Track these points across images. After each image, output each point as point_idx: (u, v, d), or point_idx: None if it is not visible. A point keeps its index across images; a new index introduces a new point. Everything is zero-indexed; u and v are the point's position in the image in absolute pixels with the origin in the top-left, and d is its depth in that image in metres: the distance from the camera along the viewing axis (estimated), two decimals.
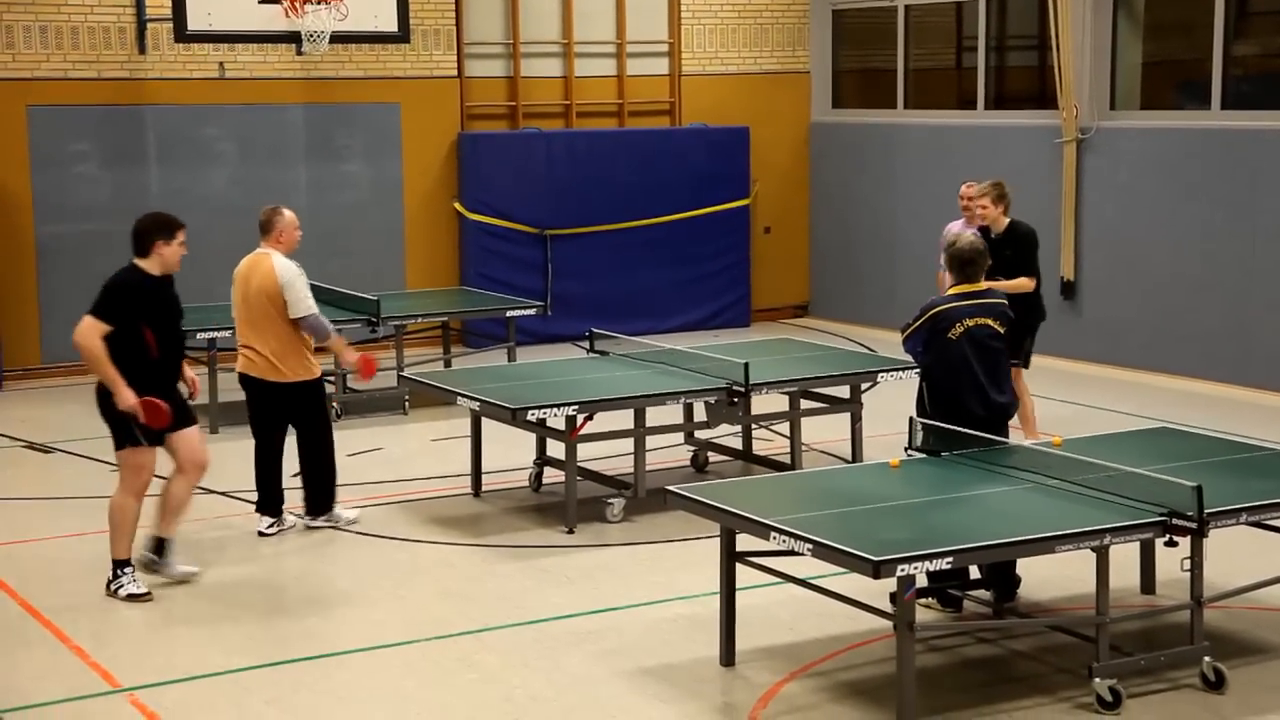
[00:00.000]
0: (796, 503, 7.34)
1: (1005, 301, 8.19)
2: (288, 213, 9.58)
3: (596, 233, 16.67)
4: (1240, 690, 6.97)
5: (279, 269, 9.35)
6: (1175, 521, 6.73)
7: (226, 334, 12.41)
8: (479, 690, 7.17)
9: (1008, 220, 10.88)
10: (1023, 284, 10.67)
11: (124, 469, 8.36)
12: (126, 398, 8.11)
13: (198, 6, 14.34)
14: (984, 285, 8.13)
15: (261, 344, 9.37)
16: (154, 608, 8.29)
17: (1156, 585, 8.14)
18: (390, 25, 15.13)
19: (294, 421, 9.50)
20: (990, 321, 7.98)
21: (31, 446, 12.06)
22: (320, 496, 9.60)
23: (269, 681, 7.30)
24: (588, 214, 16.62)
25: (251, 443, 9.59)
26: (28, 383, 14.52)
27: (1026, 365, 11.00)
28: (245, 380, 9.47)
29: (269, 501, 9.55)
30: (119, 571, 8.38)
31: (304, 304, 9.31)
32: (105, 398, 8.28)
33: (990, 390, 7.95)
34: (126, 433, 8.28)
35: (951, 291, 8.07)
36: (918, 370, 8.29)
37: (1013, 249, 10.77)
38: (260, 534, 9.49)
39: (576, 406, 9.54)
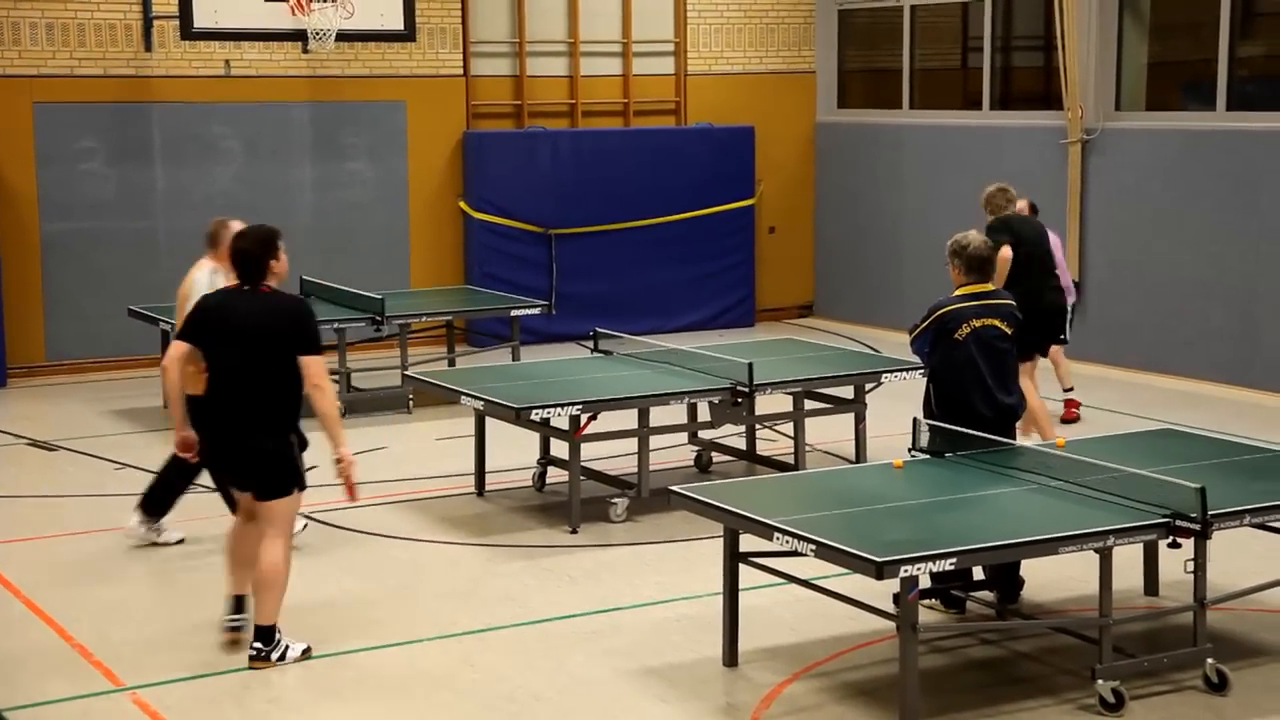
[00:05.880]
0: (800, 503, 7.34)
1: (1013, 303, 8.18)
2: (235, 225, 8.98)
3: (601, 232, 16.67)
4: (1243, 692, 6.97)
5: (195, 276, 9.05)
6: (1179, 523, 6.72)
7: None
8: (482, 689, 7.18)
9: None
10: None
11: (286, 519, 7.50)
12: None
13: (204, 4, 14.36)
14: (992, 286, 8.13)
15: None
16: (157, 607, 8.30)
17: (1160, 587, 8.13)
18: (396, 24, 15.14)
19: None
20: (997, 322, 7.97)
21: (35, 444, 12.07)
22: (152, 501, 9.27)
23: (271, 681, 7.30)
24: (593, 213, 16.61)
25: None
26: (32, 380, 14.53)
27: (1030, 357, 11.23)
28: None
29: (155, 503, 9.23)
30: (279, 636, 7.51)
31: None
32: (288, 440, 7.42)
33: (997, 391, 7.94)
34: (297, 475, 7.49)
35: (959, 292, 8.07)
36: (922, 371, 8.29)
37: None
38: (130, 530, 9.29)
39: (580, 406, 9.54)
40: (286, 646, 7.48)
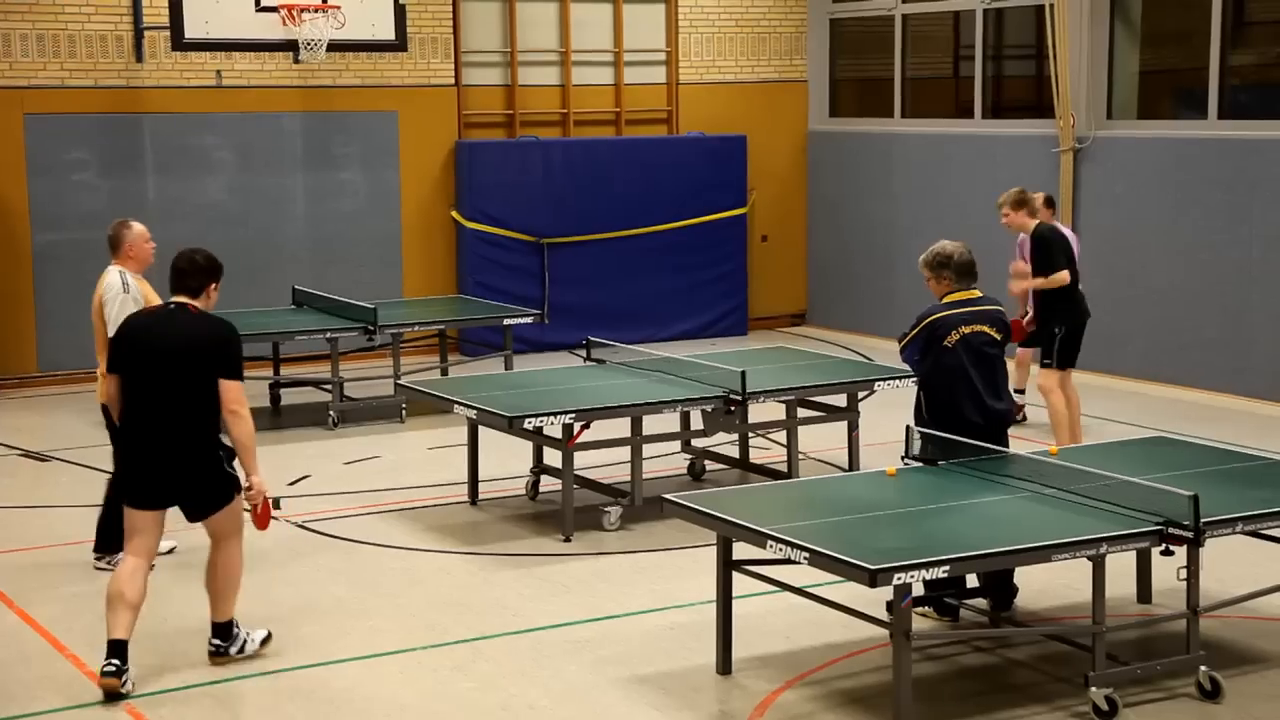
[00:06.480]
0: (793, 511, 7.34)
1: (1002, 308, 8.19)
2: (136, 226, 9.13)
3: (594, 241, 16.67)
4: (1236, 699, 6.97)
5: (106, 282, 8.99)
6: (1171, 530, 6.72)
7: None
8: (475, 699, 7.17)
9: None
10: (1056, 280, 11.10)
11: (235, 522, 7.50)
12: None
13: (195, 15, 14.40)
14: (979, 292, 8.13)
15: (101, 366, 8.71)
16: (148, 618, 8.27)
17: (1153, 594, 8.14)
18: (388, 33, 15.17)
19: None
20: (986, 328, 7.98)
21: (28, 455, 12.05)
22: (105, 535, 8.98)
23: (264, 690, 7.29)
24: (585, 222, 16.62)
25: None
26: (24, 391, 14.51)
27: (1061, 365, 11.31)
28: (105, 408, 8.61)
29: (110, 540, 8.74)
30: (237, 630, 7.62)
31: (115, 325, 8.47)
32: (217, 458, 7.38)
33: (988, 397, 7.95)
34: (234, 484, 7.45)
35: (948, 299, 8.07)
36: (915, 379, 8.29)
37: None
38: (97, 567, 9.02)
39: (573, 414, 9.53)
40: (246, 637, 7.56)
